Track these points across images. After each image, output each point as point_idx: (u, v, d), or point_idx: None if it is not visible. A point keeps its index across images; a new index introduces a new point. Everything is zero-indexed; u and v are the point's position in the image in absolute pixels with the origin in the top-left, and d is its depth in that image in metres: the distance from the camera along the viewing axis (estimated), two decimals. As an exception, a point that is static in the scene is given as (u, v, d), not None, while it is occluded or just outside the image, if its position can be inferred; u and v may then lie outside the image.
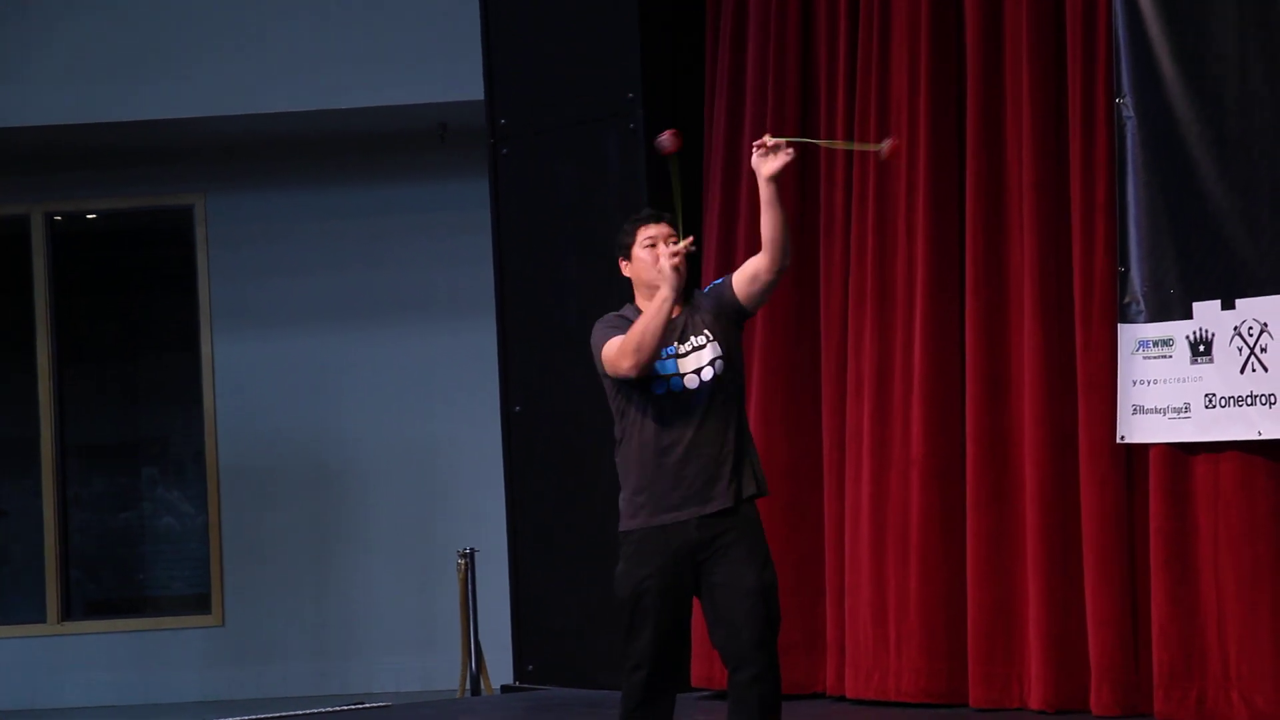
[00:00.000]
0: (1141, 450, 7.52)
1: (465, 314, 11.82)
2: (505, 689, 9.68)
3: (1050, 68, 7.81)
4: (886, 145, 6.37)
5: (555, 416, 9.46)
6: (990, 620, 7.85)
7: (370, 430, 12.28)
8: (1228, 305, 7.26)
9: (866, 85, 8.35)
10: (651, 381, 5.70)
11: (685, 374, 5.68)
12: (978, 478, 7.89)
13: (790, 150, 5.55)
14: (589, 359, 9.21)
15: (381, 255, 12.31)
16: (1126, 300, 7.52)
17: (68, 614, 12.55)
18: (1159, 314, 7.44)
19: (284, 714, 9.21)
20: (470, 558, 10.25)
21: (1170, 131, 7.40)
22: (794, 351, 8.63)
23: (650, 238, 5.76)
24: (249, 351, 12.34)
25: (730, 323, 5.78)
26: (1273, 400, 7.11)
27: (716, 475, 5.68)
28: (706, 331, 5.74)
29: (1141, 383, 7.48)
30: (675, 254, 5.61)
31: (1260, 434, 7.16)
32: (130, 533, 12.96)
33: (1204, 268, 7.32)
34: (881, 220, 8.26)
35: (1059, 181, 7.76)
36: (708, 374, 5.69)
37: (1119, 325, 7.53)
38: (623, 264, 5.84)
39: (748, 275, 5.75)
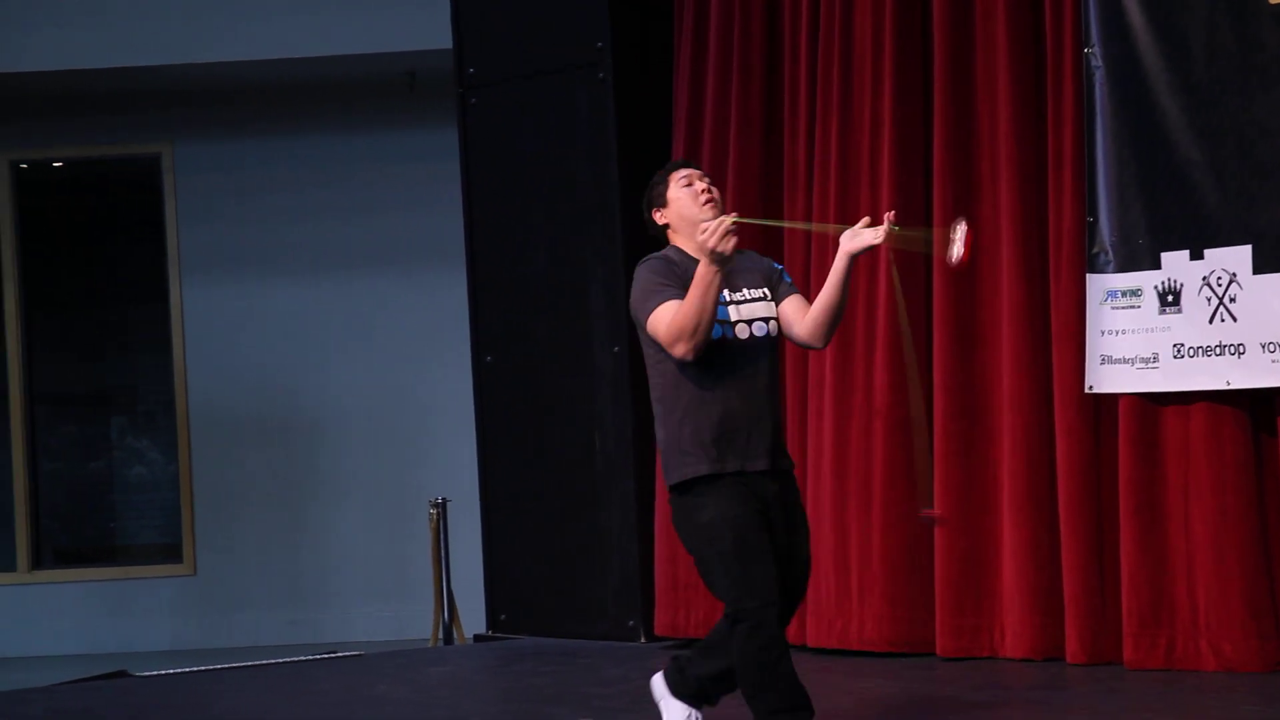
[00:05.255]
0: (1111, 400, 7.54)
1: (435, 264, 11.78)
2: (478, 638, 9.69)
3: (1021, 18, 7.79)
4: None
5: (526, 366, 9.46)
6: (959, 570, 7.87)
7: (341, 379, 12.26)
8: (1196, 255, 7.26)
9: (830, 33, 8.32)
10: None
11: (736, 323, 5.39)
12: (946, 429, 7.89)
13: (880, 234, 5.28)
14: (559, 308, 9.30)
15: (350, 204, 12.26)
16: (1095, 250, 7.52)
17: (38, 563, 12.52)
18: (1127, 264, 7.44)
19: (256, 663, 9.21)
20: (442, 507, 10.26)
21: (1138, 81, 7.39)
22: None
23: (685, 177, 5.55)
24: (218, 300, 12.30)
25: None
26: (1241, 350, 7.13)
27: (775, 436, 5.45)
28: (765, 289, 5.49)
29: (1110, 333, 7.49)
30: (727, 234, 5.16)
31: (1229, 384, 7.18)
32: (100, 482, 12.93)
33: (1172, 218, 7.32)
34: (844, 173, 8.24)
35: (1035, 132, 7.75)
36: (760, 330, 5.43)
37: (1087, 275, 7.54)
38: (656, 214, 5.56)
39: (788, 316, 5.47)
